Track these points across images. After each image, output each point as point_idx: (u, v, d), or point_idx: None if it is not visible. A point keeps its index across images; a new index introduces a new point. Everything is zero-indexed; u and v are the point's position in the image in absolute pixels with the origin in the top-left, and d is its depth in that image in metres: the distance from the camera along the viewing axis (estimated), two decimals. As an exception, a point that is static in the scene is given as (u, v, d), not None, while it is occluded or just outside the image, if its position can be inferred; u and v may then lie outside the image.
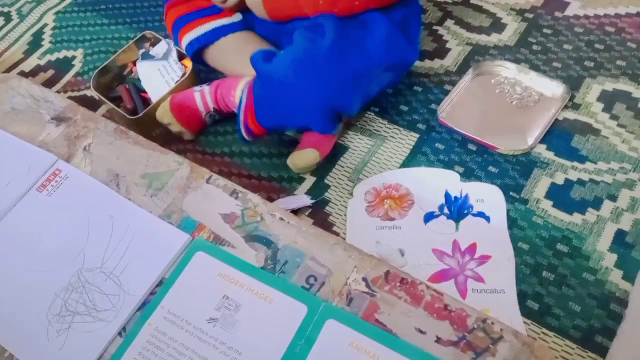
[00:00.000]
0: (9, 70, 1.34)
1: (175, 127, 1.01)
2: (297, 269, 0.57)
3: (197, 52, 1.03)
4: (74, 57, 1.31)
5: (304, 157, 0.94)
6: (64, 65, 1.30)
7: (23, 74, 1.32)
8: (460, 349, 0.50)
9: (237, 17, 1.01)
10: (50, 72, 1.30)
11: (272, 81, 0.84)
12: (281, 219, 0.61)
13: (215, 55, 1.02)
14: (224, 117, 1.06)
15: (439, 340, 0.50)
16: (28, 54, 1.36)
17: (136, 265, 0.60)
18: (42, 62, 1.33)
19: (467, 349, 0.50)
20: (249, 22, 1.01)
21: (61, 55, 1.33)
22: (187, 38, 1.01)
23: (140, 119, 1.04)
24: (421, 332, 0.51)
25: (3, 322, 0.58)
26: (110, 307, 0.58)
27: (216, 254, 0.60)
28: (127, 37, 1.31)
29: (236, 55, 1.00)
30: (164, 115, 1.01)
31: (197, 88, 1.04)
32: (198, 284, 0.58)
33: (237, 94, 0.96)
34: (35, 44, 1.37)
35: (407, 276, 0.54)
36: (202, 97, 1.03)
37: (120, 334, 0.56)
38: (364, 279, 0.55)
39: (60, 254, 0.62)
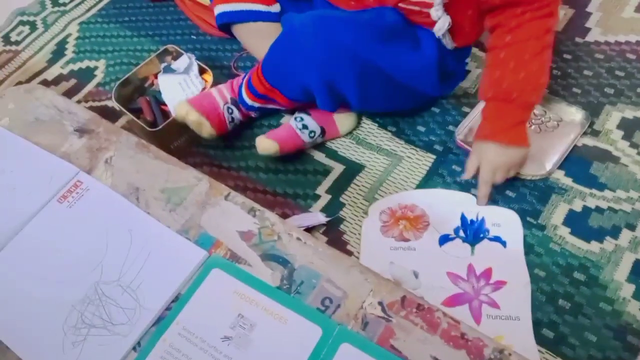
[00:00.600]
0: (31, 78, 1.37)
1: (193, 116, 0.99)
2: (312, 290, 0.57)
3: (225, 24, 1.01)
4: (96, 68, 1.34)
5: (263, 145, 0.98)
6: (86, 75, 1.32)
7: (45, 83, 1.34)
8: (476, 379, 0.49)
9: (275, 8, 1.00)
10: (72, 82, 1.32)
11: (284, 32, 0.85)
12: (298, 238, 0.61)
13: (243, 35, 1.03)
14: (243, 120, 1.07)
15: (454, 368, 0.50)
16: (51, 62, 1.38)
17: (153, 279, 0.60)
18: (65, 71, 1.35)
19: (482, 378, 0.49)
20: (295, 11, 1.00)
21: (83, 65, 1.35)
22: (221, 8, 1.00)
23: (160, 130, 1.05)
24: (438, 357, 0.50)
25: (19, 332, 0.59)
26: (126, 321, 0.58)
27: (232, 272, 0.60)
28: (149, 49, 1.33)
29: (263, 42, 0.98)
30: (182, 107, 1.00)
31: (214, 89, 1.05)
32: (213, 301, 0.58)
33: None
34: (59, 53, 1.40)
35: (423, 302, 0.54)
36: (219, 91, 1.04)
37: (134, 348, 0.56)
38: (380, 303, 0.55)
39: (78, 265, 0.62)
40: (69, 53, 1.39)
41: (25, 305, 0.61)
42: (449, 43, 0.87)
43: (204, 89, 1.12)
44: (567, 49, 1.09)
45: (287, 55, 0.87)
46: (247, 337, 0.55)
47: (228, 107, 1.05)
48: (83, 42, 1.40)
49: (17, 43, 1.44)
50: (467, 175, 0.90)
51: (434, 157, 1.00)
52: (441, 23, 0.82)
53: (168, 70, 1.16)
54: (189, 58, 1.16)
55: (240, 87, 1.00)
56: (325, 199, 1.00)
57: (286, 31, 0.86)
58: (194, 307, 0.58)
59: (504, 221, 0.91)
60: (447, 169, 0.98)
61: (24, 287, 0.62)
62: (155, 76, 1.21)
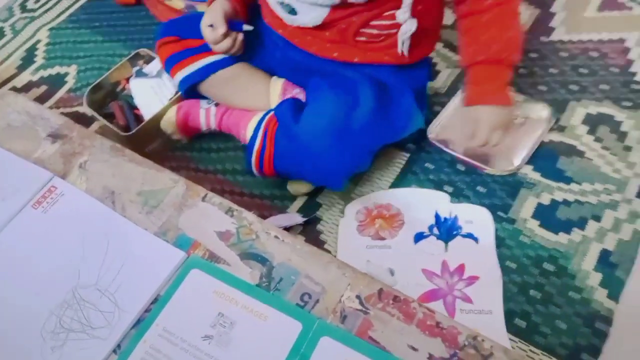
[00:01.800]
0: (1, 85, 1.34)
1: (176, 136, 1.04)
2: (291, 286, 0.58)
3: (190, 87, 1.03)
4: (67, 74, 1.32)
5: (302, 185, 0.99)
6: (57, 81, 1.31)
7: (15, 90, 1.32)
8: (452, 366, 0.51)
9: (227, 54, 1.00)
10: (43, 88, 1.31)
11: (300, 140, 0.86)
12: (275, 236, 0.62)
13: (210, 89, 1.04)
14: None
15: (430, 357, 0.51)
16: (21, 69, 1.36)
17: (131, 282, 0.61)
18: (35, 78, 1.33)
19: (458, 365, 0.51)
20: (251, 49, 1.02)
21: (54, 71, 1.33)
22: (179, 76, 1.02)
23: (133, 135, 1.05)
24: (413, 349, 0.52)
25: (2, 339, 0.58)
26: (105, 324, 0.58)
27: (211, 271, 0.60)
28: (121, 54, 1.32)
29: (231, 89, 1.02)
30: (169, 125, 1.04)
31: (204, 104, 1.06)
32: (193, 301, 0.59)
33: (248, 133, 0.98)
34: (28, 59, 1.38)
35: (399, 294, 0.55)
36: (207, 116, 1.05)
37: (114, 351, 0.56)
38: (358, 297, 0.56)
39: (55, 270, 0.62)
40: (39, 59, 1.37)
41: (1, 311, 0.60)
42: (405, 51, 0.87)
43: (176, 92, 1.12)
44: (532, 48, 1.13)
45: (300, 161, 0.89)
46: (227, 335, 0.56)
47: (208, 130, 1.07)
48: (53, 48, 1.39)
49: (-16, 50, 1.42)
50: (474, 143, 0.89)
51: (408, 155, 1.02)
52: (407, 26, 0.82)
53: (140, 74, 1.15)
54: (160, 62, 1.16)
55: (248, 161, 0.97)
56: (301, 199, 1.01)
57: (300, 141, 0.87)
58: (173, 307, 0.58)
59: (476, 218, 0.93)
60: (420, 167, 1.00)
61: (2, 295, 0.61)
62: (127, 80, 1.20)
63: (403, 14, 0.80)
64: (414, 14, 0.80)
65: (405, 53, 0.86)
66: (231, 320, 0.56)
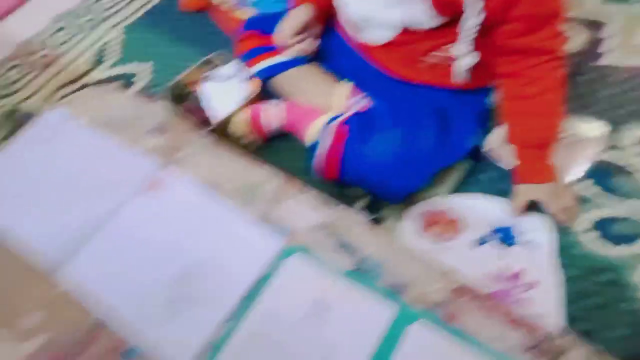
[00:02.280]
0: (72, 82, 1.43)
1: (250, 137, 1.10)
2: (382, 275, 0.64)
3: (263, 81, 1.11)
4: (139, 72, 1.40)
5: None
6: (129, 80, 1.39)
7: (89, 86, 1.40)
8: (535, 355, 0.56)
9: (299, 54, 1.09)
10: (115, 85, 1.39)
11: (367, 160, 0.93)
12: (367, 232, 0.68)
13: (280, 84, 1.12)
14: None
15: (516, 346, 0.57)
16: (95, 65, 1.45)
17: (236, 263, 0.67)
18: (108, 75, 1.42)
19: (541, 355, 0.56)
20: (323, 52, 1.09)
21: (125, 70, 1.41)
22: (255, 68, 1.11)
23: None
24: (497, 339, 0.57)
25: (123, 307, 0.65)
26: (215, 298, 0.64)
27: (307, 258, 0.66)
28: (194, 55, 1.38)
29: (299, 86, 1.10)
30: (239, 127, 1.10)
31: (268, 104, 1.13)
32: (292, 283, 0.65)
33: (310, 134, 1.05)
34: (100, 57, 1.46)
35: (481, 290, 0.61)
36: (272, 114, 1.11)
37: (225, 321, 0.63)
38: (444, 289, 0.62)
39: (168, 248, 0.70)
40: (111, 58, 1.45)
41: (123, 284, 0.67)
42: (459, 82, 0.94)
43: (249, 96, 1.19)
44: (584, 71, 1.17)
45: (365, 176, 0.96)
46: (325, 316, 0.62)
47: (274, 129, 1.14)
48: (125, 48, 1.47)
49: (58, 47, 1.50)
50: (516, 214, 0.97)
51: (469, 163, 1.07)
52: (463, 60, 0.88)
53: (214, 77, 1.23)
54: (234, 66, 1.23)
55: (311, 163, 1.04)
56: (364, 200, 1.06)
57: (368, 161, 0.93)
58: (275, 288, 0.65)
59: (537, 225, 0.97)
60: (481, 175, 1.05)
61: (119, 269, 0.68)
62: (197, 84, 1.27)
63: (458, 49, 0.86)
64: (476, 47, 0.85)
65: (459, 83, 0.93)
66: (328, 303, 0.63)
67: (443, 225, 1.02)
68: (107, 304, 0.66)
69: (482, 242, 0.99)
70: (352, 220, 0.69)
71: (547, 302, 0.89)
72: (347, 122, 1.01)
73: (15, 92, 1.44)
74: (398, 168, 0.91)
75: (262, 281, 0.65)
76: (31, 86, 1.45)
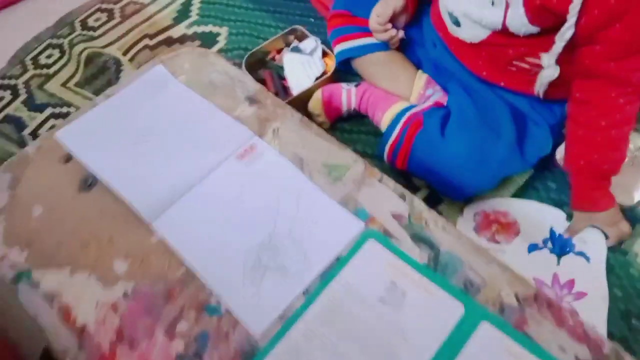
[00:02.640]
0: (158, 33, 1.48)
1: (321, 118, 1.15)
2: (455, 273, 0.68)
3: (345, 60, 1.15)
4: (219, 34, 1.44)
5: None
6: (210, 39, 1.43)
7: (171, 40, 1.46)
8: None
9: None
10: (196, 43, 1.44)
11: (441, 155, 0.96)
12: (443, 227, 0.72)
13: (362, 66, 1.15)
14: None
15: (577, 359, 0.61)
16: (177, 21, 1.49)
17: (317, 240, 0.72)
18: (189, 32, 1.46)
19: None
20: (407, 41, 1.12)
21: (207, 29, 1.46)
22: (340, 47, 1.14)
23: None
24: (562, 350, 0.61)
25: (208, 264, 0.71)
26: (296, 269, 0.69)
27: (386, 244, 0.71)
28: (269, 24, 1.43)
29: (380, 71, 1.13)
30: (316, 106, 1.15)
31: (345, 86, 1.16)
32: (369, 266, 0.69)
33: (385, 119, 1.08)
34: (184, 13, 1.51)
35: (553, 301, 0.64)
36: (348, 96, 1.15)
37: (303, 293, 0.68)
38: (515, 295, 0.65)
39: (255, 215, 0.74)
40: (194, 15, 1.50)
41: (210, 245, 0.72)
42: (540, 94, 0.94)
43: (324, 72, 1.23)
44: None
45: (434, 170, 0.99)
46: (400, 301, 0.66)
47: (348, 112, 1.17)
48: (207, 7, 1.51)
49: (142, -3, 1.55)
50: (571, 236, 1.00)
51: (533, 171, 1.09)
52: (548, 72, 0.87)
53: (295, 49, 1.26)
54: (315, 41, 1.26)
55: (382, 149, 1.07)
56: (424, 191, 1.10)
57: (442, 156, 0.96)
58: (352, 268, 0.69)
59: (591, 239, 1.00)
60: (543, 183, 1.08)
61: (208, 229, 0.74)
62: (278, 52, 1.31)
63: (549, 58, 0.85)
64: (560, 61, 0.85)
65: (540, 96, 0.93)
66: (403, 290, 0.67)
67: (500, 226, 1.05)
68: (194, 260, 0.72)
69: (535, 247, 1.02)
70: (429, 215, 0.73)
71: (592, 315, 0.92)
72: (422, 114, 1.04)
73: (97, 37, 1.50)
74: (471, 168, 0.94)
75: (342, 260, 0.70)
76: (113, 33, 1.50)
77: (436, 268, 0.69)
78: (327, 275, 0.69)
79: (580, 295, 0.94)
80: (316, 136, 0.82)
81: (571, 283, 0.96)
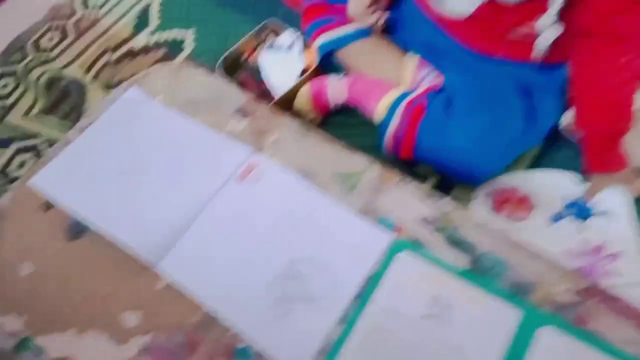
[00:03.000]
0: (118, 46, 1.37)
1: (311, 115, 1.07)
2: (501, 275, 0.62)
3: (327, 52, 1.07)
4: (183, 39, 1.34)
5: None
6: (175, 46, 1.33)
7: (133, 52, 1.35)
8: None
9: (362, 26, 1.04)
10: (162, 51, 1.33)
11: (450, 140, 0.90)
12: (477, 225, 0.66)
13: (346, 57, 1.07)
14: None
15: (648, 350, 0.56)
16: (137, 30, 1.38)
17: (343, 259, 0.65)
18: (152, 41, 1.36)
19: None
20: (391, 24, 1.04)
21: (171, 34, 1.35)
22: (321, 39, 1.06)
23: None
24: (631, 342, 0.56)
25: (228, 303, 0.64)
26: (326, 296, 0.63)
27: (420, 254, 0.64)
28: (237, 20, 1.32)
29: (366, 59, 1.06)
30: (304, 104, 1.07)
31: (333, 77, 1.08)
32: (406, 281, 0.63)
33: (380, 109, 1.01)
34: (143, 20, 1.40)
35: (608, 291, 0.59)
36: (337, 88, 1.07)
37: (339, 322, 0.61)
38: (570, 290, 0.60)
39: (269, 242, 0.67)
40: (154, 21, 1.39)
41: (227, 279, 0.65)
42: (539, 56, 0.88)
43: (307, 68, 1.15)
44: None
45: (443, 155, 0.92)
46: (448, 316, 0.60)
47: (339, 106, 1.10)
48: (168, 10, 1.40)
49: (98, 8, 1.43)
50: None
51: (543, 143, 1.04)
52: (547, 34, 0.82)
53: (272, 47, 1.17)
54: (293, 34, 1.17)
55: (381, 140, 1.00)
56: (434, 178, 1.04)
57: (451, 141, 0.90)
58: (388, 286, 0.63)
59: (609, 195, 0.95)
60: (552, 155, 1.03)
61: (220, 263, 0.66)
62: (252, 51, 1.22)
63: (544, 21, 0.80)
64: (560, 18, 0.80)
65: (539, 59, 0.88)
66: (448, 303, 0.61)
67: (514, 203, 1.00)
68: (212, 300, 0.65)
69: (557, 218, 0.97)
70: (461, 214, 0.67)
71: (633, 271, 0.88)
72: (422, 99, 0.97)
73: (54, 58, 1.38)
74: (484, 150, 0.88)
75: (374, 278, 0.63)
76: (70, 52, 1.39)
77: (480, 272, 0.63)
78: (362, 298, 0.63)
79: (615, 255, 0.90)
80: (320, 143, 0.75)
81: (603, 246, 0.92)
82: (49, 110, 1.28)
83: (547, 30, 0.82)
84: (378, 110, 1.03)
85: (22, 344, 0.66)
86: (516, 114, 0.90)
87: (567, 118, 1.02)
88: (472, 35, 0.93)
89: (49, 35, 1.44)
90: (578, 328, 0.57)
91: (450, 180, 1.03)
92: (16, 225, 0.74)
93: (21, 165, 1.21)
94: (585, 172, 0.95)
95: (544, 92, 0.93)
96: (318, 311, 0.62)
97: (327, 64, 1.12)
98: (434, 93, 0.97)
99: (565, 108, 0.99)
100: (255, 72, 1.18)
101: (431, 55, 1.03)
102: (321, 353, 0.60)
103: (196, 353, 0.62)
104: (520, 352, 0.57)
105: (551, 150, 1.03)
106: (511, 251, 0.63)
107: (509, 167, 1.02)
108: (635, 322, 0.57)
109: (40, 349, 0.65)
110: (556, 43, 0.84)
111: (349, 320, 0.61)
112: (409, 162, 1.03)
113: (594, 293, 0.59)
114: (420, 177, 1.04)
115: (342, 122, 1.14)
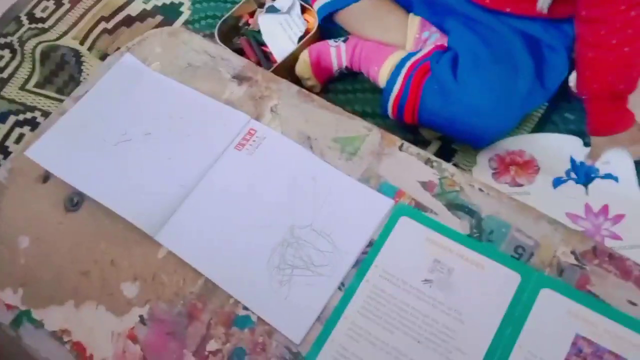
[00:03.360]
0: (114, 13, 1.35)
1: (311, 81, 1.06)
2: (503, 238, 0.61)
3: (327, 16, 1.04)
4: (181, 4, 1.31)
5: None
6: (172, 12, 1.31)
7: (130, 18, 1.33)
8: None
9: None
10: (159, 18, 1.31)
11: (458, 100, 0.87)
12: (480, 189, 0.65)
13: (347, 19, 1.05)
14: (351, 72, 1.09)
15: (651, 311, 0.55)
16: (131, -5, 1.35)
17: (344, 225, 0.64)
18: (148, 7, 1.33)
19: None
20: None
21: (167, 0, 1.32)
22: (320, 1, 1.03)
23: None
24: (632, 303, 0.55)
25: (227, 272, 0.63)
26: (326, 263, 0.62)
27: (421, 219, 0.63)
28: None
29: (368, 20, 1.03)
30: (304, 69, 1.05)
31: (333, 43, 1.06)
32: (407, 246, 0.62)
33: (383, 73, 0.98)
34: (137, -14, 1.37)
35: (613, 252, 0.58)
36: (338, 53, 1.05)
37: (339, 288, 0.61)
38: (573, 252, 0.59)
39: (270, 209, 0.66)
40: (145, -13, 1.36)
41: (228, 247, 0.65)
42: (544, 9, 0.86)
43: (308, 31, 1.12)
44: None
45: (450, 118, 0.90)
46: (447, 280, 0.60)
47: (340, 71, 1.07)
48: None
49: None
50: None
51: (547, 103, 1.02)
52: None
53: (271, 9, 1.15)
54: (292, -4, 1.14)
55: (385, 105, 0.99)
56: (435, 144, 1.03)
57: (459, 101, 0.88)
58: (389, 252, 0.62)
59: (614, 159, 0.94)
60: (560, 116, 1.01)
61: (223, 231, 0.66)
62: (251, 15, 1.19)
63: None
64: None
65: (544, 11, 0.85)
66: (448, 267, 0.60)
67: (518, 167, 0.99)
68: (212, 269, 0.64)
69: (560, 181, 0.96)
70: (462, 179, 0.66)
71: (636, 233, 0.88)
72: (426, 60, 0.95)
73: (49, 29, 1.36)
74: (492, 110, 0.86)
75: (375, 244, 0.63)
76: (65, 21, 1.36)
77: (481, 237, 0.62)
78: (362, 264, 0.62)
79: (618, 218, 0.90)
80: (320, 108, 0.73)
81: (605, 209, 0.91)
82: (45, 82, 1.27)
83: None
84: (381, 73, 1.01)
85: (21, 318, 0.66)
86: (526, 70, 0.87)
87: (574, 78, 1.00)
88: None
89: (43, 4, 1.41)
90: (579, 291, 0.57)
91: (453, 146, 1.01)
92: (13, 197, 0.74)
93: (19, 139, 1.20)
94: (589, 134, 0.93)
95: (551, 47, 0.90)
96: (318, 278, 0.62)
97: (328, 28, 1.09)
98: (439, 52, 0.94)
99: (573, 67, 0.97)
100: (255, 36, 1.16)
101: (434, 14, 1.01)
102: (321, 320, 0.60)
103: (196, 321, 0.62)
104: (521, 316, 0.56)
105: (560, 109, 1.02)
106: (513, 214, 0.62)
107: (513, 131, 1.00)
108: (638, 283, 0.56)
109: (38, 321, 0.66)
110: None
111: (348, 287, 0.61)
112: (413, 127, 1.02)
113: (596, 254, 0.58)
114: (423, 144, 1.03)
115: (344, 89, 1.12)
